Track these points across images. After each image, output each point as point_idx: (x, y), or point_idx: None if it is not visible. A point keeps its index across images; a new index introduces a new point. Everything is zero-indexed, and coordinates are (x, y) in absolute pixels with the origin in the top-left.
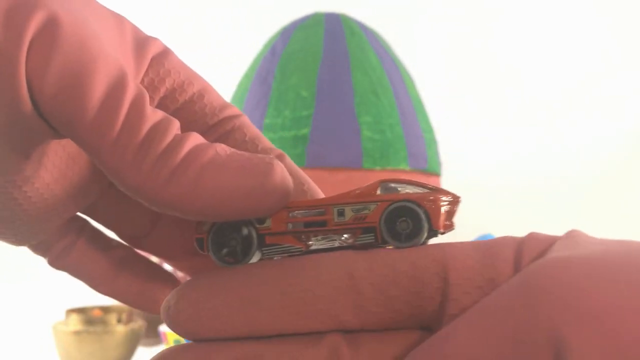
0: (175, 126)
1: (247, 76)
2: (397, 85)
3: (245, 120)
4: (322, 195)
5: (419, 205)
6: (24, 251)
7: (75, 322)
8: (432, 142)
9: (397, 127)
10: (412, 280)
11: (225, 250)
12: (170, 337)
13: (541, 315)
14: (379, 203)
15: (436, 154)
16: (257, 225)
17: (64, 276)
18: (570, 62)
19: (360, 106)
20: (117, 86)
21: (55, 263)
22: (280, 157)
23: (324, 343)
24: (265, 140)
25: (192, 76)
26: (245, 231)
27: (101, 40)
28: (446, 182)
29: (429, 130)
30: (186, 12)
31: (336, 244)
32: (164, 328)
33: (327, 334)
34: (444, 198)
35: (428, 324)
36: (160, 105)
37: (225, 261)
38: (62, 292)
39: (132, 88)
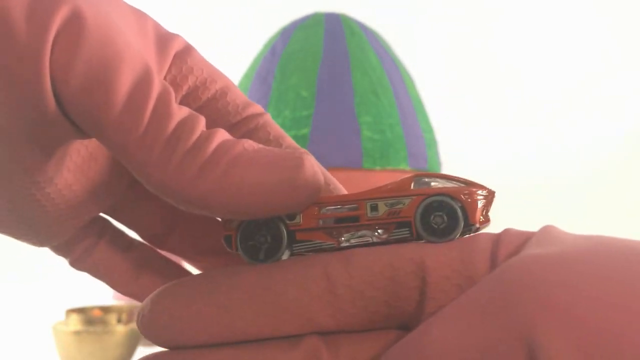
0: (202, 122)
1: (247, 76)
2: (397, 85)
3: (269, 118)
4: (340, 187)
5: (455, 199)
6: (24, 251)
7: (75, 322)
8: (432, 142)
9: (397, 127)
10: (390, 281)
11: (254, 248)
12: None
13: (514, 313)
14: (414, 197)
15: (436, 154)
16: (287, 222)
17: (64, 276)
18: (570, 62)
19: (360, 106)
20: (143, 82)
21: (77, 264)
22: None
23: (302, 346)
24: (289, 139)
25: (215, 74)
26: (274, 227)
27: (125, 35)
28: None
29: (429, 130)
30: (186, 12)
31: (370, 239)
32: None
33: (305, 336)
34: (480, 192)
35: (407, 323)
36: (182, 103)
37: (255, 258)
38: (62, 292)
39: (157, 84)
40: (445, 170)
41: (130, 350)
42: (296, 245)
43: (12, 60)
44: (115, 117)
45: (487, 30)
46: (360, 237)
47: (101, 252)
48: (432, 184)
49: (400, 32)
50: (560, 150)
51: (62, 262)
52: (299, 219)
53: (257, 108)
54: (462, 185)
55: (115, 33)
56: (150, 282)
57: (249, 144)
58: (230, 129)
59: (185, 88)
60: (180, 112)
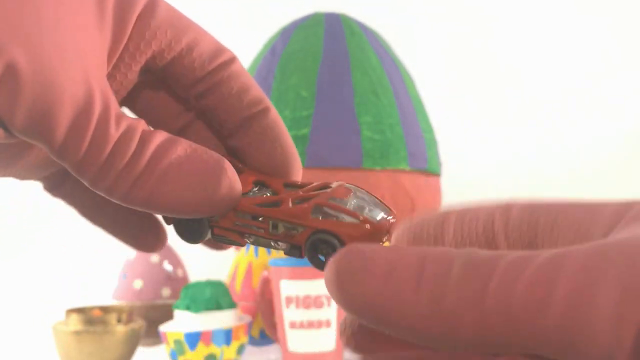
0: (139, 131)
1: None
2: (397, 85)
3: (235, 68)
4: (295, 157)
5: (336, 236)
6: (24, 252)
7: (75, 322)
8: (432, 142)
9: (397, 127)
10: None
11: (184, 233)
12: (170, 337)
13: None
14: (306, 228)
15: (436, 154)
16: (210, 218)
17: (64, 276)
18: (570, 62)
19: (360, 106)
20: (83, 112)
21: (51, 191)
22: (264, 111)
23: None
24: (253, 91)
25: (181, 30)
26: (199, 222)
27: (67, 60)
28: (446, 182)
29: (429, 130)
30: (186, 12)
31: (271, 246)
32: (164, 328)
33: None
34: (367, 228)
35: None
36: (148, 65)
37: (186, 240)
38: (62, 292)
39: (97, 107)
40: (445, 170)
41: (130, 350)
42: (215, 236)
43: None
44: (59, 146)
45: (487, 31)
46: (262, 244)
47: (68, 186)
48: (331, 216)
49: (400, 32)
50: (560, 150)
51: (62, 262)
52: (217, 219)
53: (224, 56)
54: (354, 221)
55: (55, 71)
56: (115, 210)
57: (182, 147)
58: (196, 83)
59: (149, 52)
60: (117, 130)
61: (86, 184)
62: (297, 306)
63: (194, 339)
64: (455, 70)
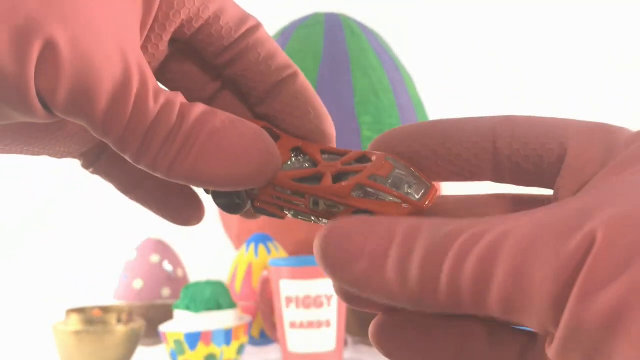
0: (177, 103)
1: None
2: (397, 85)
3: (261, 35)
4: (328, 120)
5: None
6: (24, 252)
7: (75, 322)
8: None
9: None
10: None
11: (224, 204)
12: (170, 337)
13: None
14: (347, 207)
15: None
16: (250, 191)
17: (64, 276)
18: (570, 62)
19: (360, 106)
20: (122, 88)
21: (88, 168)
22: (293, 76)
23: None
24: (280, 57)
25: None
26: (238, 194)
27: (103, 36)
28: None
29: None
30: None
31: (311, 220)
32: (164, 328)
33: None
34: (407, 207)
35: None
36: (177, 34)
37: (226, 211)
38: (62, 292)
39: (135, 82)
40: None
41: (130, 350)
42: (254, 208)
43: (2, 92)
44: (100, 122)
45: (487, 31)
46: (302, 218)
47: (104, 162)
48: (372, 195)
49: (400, 32)
50: None
51: (62, 262)
52: (257, 192)
53: (250, 23)
54: (397, 201)
55: (93, 47)
56: (154, 186)
57: (220, 119)
58: (223, 51)
59: (178, 22)
60: (156, 105)
61: (129, 159)
62: (297, 306)
63: (194, 339)
64: (455, 70)
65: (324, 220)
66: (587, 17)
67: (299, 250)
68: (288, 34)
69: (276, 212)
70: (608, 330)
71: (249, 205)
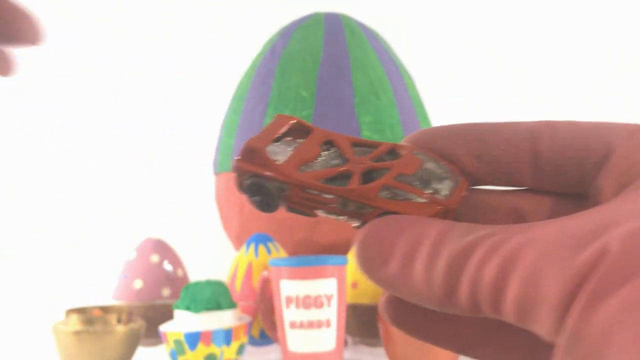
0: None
1: (247, 76)
2: (397, 85)
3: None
4: None
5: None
6: (25, 252)
7: (75, 322)
8: None
9: (397, 127)
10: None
11: (256, 202)
12: (170, 337)
13: None
14: (375, 209)
15: None
16: (281, 192)
17: (64, 276)
18: (570, 62)
19: (360, 106)
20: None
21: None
22: None
23: None
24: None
25: None
26: (272, 195)
27: None
28: None
29: None
30: (187, 12)
31: (342, 219)
32: (164, 328)
33: None
34: (435, 208)
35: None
36: None
37: (259, 209)
38: (62, 292)
39: None
40: None
41: (130, 350)
42: (290, 208)
43: None
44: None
45: (487, 31)
46: (333, 217)
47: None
48: (399, 196)
49: (400, 32)
50: None
51: (62, 262)
52: (288, 192)
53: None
54: (425, 202)
55: None
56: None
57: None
58: None
59: None
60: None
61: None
62: (297, 306)
63: (194, 339)
64: (455, 70)
65: (355, 222)
66: (587, 17)
67: (299, 250)
68: (288, 34)
69: (307, 212)
70: (602, 343)
71: (280, 205)
